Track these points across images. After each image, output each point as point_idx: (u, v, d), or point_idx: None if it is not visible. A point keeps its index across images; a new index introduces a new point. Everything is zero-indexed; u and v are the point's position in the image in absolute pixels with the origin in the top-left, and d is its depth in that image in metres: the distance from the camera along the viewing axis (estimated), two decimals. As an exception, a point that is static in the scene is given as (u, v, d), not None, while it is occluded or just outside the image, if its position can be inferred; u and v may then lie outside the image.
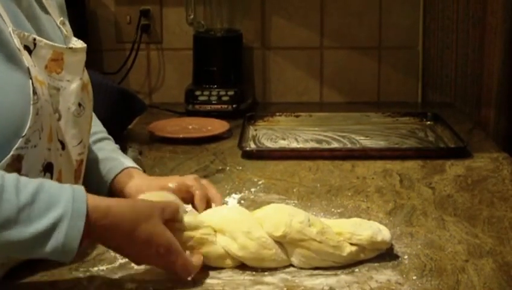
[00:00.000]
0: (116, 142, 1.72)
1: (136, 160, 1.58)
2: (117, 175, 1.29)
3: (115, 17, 2.25)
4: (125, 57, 2.23)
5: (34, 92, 0.99)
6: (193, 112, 2.05)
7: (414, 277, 1.05)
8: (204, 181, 1.29)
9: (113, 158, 1.33)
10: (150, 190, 1.22)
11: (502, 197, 1.40)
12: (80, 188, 0.96)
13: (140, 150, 1.72)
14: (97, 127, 1.37)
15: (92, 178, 1.27)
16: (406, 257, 1.12)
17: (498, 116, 2.12)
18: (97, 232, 0.95)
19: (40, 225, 0.91)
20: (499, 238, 1.19)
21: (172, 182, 1.27)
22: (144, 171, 1.35)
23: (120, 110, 1.77)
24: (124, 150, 1.66)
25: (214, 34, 2.16)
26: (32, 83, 0.99)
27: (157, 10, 2.24)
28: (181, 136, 1.83)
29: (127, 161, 1.33)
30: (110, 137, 1.39)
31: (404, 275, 1.05)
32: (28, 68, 0.99)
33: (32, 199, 0.91)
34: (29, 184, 0.93)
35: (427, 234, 1.21)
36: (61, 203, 0.93)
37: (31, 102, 0.98)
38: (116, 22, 2.25)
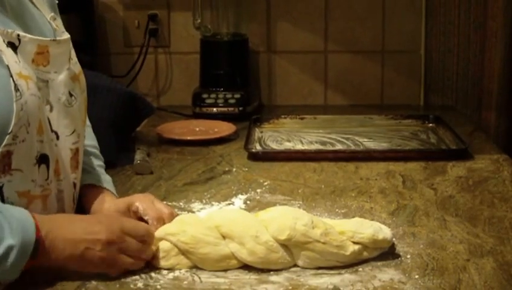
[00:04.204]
0: (125, 144, 1.76)
1: (144, 161, 1.61)
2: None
3: (124, 22, 2.27)
4: (133, 60, 2.25)
5: (16, 89, 1.01)
6: (200, 115, 2.06)
7: (416, 276, 1.06)
8: (151, 198, 1.24)
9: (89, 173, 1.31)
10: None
11: (503, 197, 1.41)
12: (31, 223, 0.99)
13: (149, 151, 1.73)
14: (89, 140, 1.35)
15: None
16: (408, 256, 1.13)
17: (498, 119, 2.13)
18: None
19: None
20: (499, 238, 1.21)
21: (121, 204, 1.24)
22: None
23: (129, 112, 1.78)
24: (132, 151, 1.70)
25: (220, 38, 2.17)
26: (14, 80, 1.01)
27: (164, 15, 2.26)
28: (188, 138, 1.85)
29: (95, 181, 1.31)
30: (96, 153, 1.37)
31: (406, 274, 1.07)
32: (8, 66, 1.01)
33: None
34: None
35: (429, 234, 1.23)
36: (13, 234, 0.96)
37: (14, 99, 1.00)
38: (124, 26, 2.27)
